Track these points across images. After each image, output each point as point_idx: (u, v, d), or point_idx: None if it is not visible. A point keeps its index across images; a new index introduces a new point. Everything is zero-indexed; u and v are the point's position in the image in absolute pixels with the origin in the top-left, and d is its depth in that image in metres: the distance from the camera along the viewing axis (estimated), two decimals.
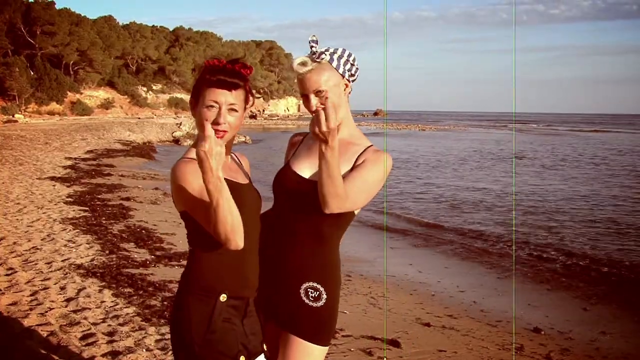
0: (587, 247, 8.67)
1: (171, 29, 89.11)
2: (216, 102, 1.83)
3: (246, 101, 1.92)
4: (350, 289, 5.74)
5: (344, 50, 2.04)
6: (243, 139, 33.22)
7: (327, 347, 2.08)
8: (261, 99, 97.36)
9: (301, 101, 2.08)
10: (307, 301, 2.02)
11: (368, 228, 9.84)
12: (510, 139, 44.51)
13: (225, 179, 1.84)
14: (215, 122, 1.83)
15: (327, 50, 2.02)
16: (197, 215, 1.83)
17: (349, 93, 2.08)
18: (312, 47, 1.99)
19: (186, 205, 1.85)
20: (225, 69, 1.84)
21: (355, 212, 2.07)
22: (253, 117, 75.90)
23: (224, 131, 1.86)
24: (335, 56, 2.02)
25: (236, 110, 1.87)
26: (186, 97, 73.71)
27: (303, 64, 1.97)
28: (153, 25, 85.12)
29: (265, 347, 2.01)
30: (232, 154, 2.07)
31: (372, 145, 2.08)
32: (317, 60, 1.99)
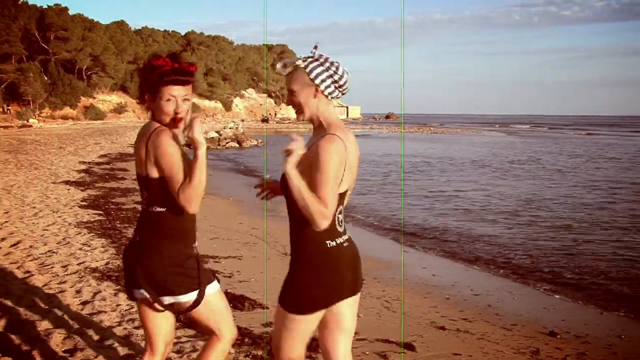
0: (602, 249, 8.59)
1: (183, 34, 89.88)
2: (173, 96, 2.32)
3: (193, 90, 2.40)
4: (364, 292, 5.66)
5: (326, 60, 2.22)
6: (255, 143, 33.33)
7: (293, 315, 2.27)
8: (273, 102, 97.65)
9: None
10: None
11: (383, 231, 9.83)
12: (523, 142, 44.22)
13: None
14: (175, 112, 2.32)
15: (309, 57, 2.24)
16: (173, 179, 2.27)
17: (330, 97, 2.26)
18: (311, 51, 2.26)
19: (166, 169, 2.28)
20: (177, 70, 2.30)
21: None
22: (265, 120, 76.09)
23: (182, 118, 2.35)
24: (314, 64, 2.22)
25: (188, 100, 2.37)
26: (198, 101, 74.08)
27: (283, 65, 2.29)
28: (165, 30, 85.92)
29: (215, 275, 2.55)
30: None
31: (326, 135, 2.19)
32: (294, 65, 2.25)
